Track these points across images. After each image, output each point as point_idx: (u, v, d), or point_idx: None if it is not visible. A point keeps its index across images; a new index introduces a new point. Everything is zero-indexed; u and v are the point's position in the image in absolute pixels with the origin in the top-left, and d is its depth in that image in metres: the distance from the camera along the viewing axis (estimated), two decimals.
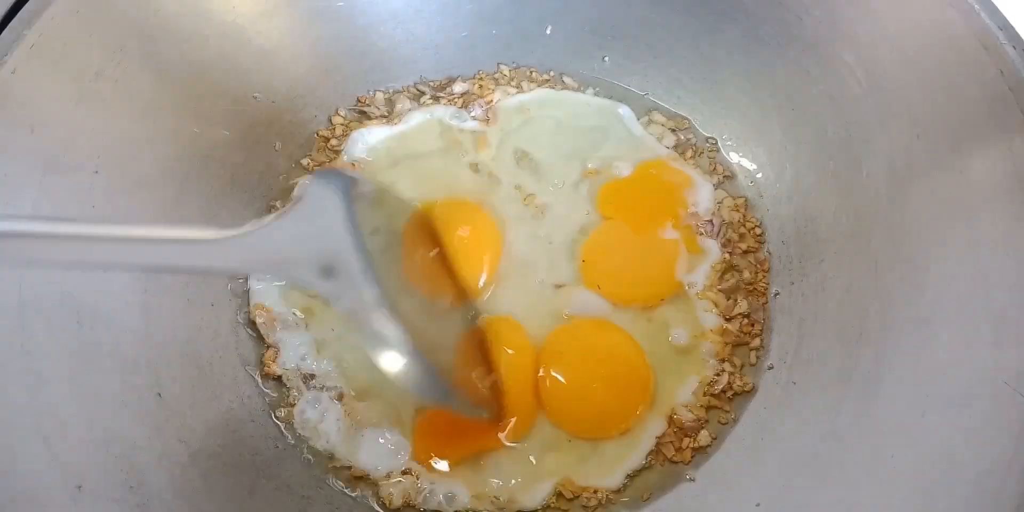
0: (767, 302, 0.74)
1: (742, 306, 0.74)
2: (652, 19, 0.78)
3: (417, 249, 0.65)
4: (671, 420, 0.70)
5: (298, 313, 0.72)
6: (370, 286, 0.50)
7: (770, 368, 0.71)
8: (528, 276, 0.75)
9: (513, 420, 0.68)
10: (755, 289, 0.75)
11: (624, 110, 0.82)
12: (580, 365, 0.70)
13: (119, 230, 0.46)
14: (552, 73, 0.85)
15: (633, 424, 0.69)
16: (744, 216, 0.78)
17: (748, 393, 0.71)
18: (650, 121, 0.83)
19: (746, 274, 0.75)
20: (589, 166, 0.79)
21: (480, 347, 0.67)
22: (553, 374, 0.69)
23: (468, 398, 0.61)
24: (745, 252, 0.77)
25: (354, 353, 0.71)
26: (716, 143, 0.82)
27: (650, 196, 0.78)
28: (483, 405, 0.64)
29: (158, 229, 0.48)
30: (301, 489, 0.66)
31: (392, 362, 0.51)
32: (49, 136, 0.59)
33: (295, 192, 0.59)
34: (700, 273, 0.75)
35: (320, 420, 0.68)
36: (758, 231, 0.77)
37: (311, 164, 0.79)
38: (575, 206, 0.78)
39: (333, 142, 0.80)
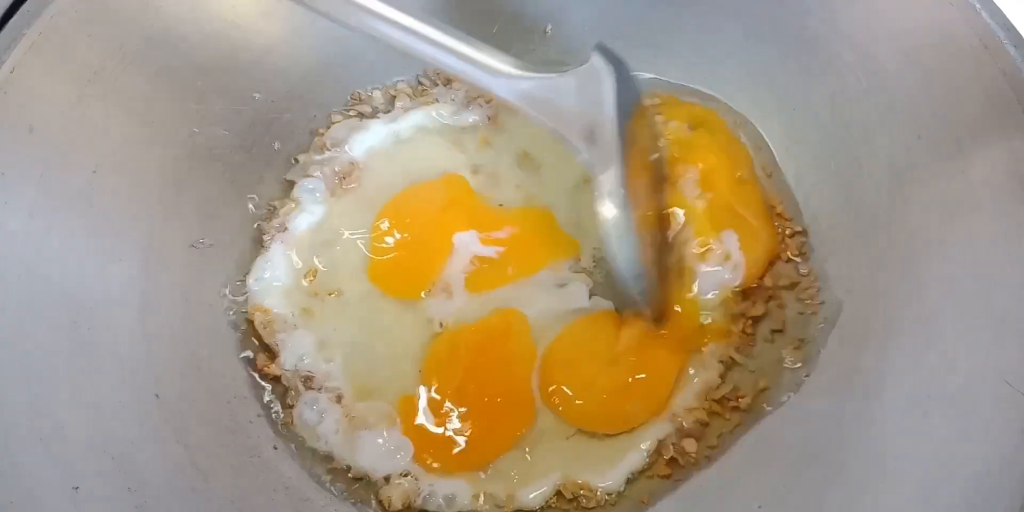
0: (768, 302, 0.74)
1: (743, 307, 0.73)
2: (652, 18, 0.78)
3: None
4: (672, 421, 0.69)
5: (297, 314, 0.72)
6: (618, 166, 0.59)
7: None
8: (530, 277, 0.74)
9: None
10: (755, 289, 0.74)
11: None
12: (600, 355, 0.70)
13: (427, 30, 0.57)
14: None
15: (638, 424, 0.69)
16: None
17: (749, 394, 0.70)
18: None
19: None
20: None
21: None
22: (567, 361, 0.69)
23: (650, 297, 0.67)
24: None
25: (354, 353, 0.71)
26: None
27: None
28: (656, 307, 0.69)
29: (461, 44, 0.57)
30: (300, 490, 0.66)
31: (613, 240, 0.61)
32: (49, 136, 0.59)
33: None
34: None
35: (319, 421, 0.68)
36: None
37: (310, 162, 0.79)
38: (576, 208, 0.77)
39: (332, 141, 0.80)
